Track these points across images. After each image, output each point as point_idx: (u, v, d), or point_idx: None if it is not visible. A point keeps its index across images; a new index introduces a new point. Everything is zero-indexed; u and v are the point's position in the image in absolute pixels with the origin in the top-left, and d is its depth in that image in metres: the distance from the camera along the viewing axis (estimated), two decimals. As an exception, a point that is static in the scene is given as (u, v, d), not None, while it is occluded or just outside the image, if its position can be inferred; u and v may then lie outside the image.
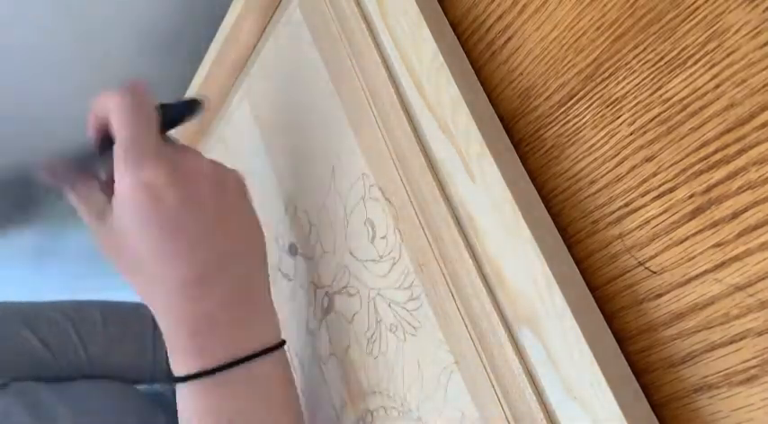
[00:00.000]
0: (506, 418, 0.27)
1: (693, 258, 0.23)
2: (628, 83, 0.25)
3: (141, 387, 0.63)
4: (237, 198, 0.36)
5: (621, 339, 0.26)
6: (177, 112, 0.37)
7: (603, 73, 0.26)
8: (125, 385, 0.60)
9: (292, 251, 0.43)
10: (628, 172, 0.25)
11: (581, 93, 0.27)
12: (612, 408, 0.23)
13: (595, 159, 0.26)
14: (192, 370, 0.33)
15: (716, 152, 0.22)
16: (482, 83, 0.31)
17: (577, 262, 0.27)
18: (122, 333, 0.64)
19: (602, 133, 0.26)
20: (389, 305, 0.34)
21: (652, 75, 0.24)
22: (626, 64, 0.25)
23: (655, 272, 0.25)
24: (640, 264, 0.25)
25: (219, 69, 0.48)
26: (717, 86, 0.22)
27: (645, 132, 0.25)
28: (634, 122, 0.25)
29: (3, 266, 0.88)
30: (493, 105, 0.30)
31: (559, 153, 0.28)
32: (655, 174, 0.24)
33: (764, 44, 0.21)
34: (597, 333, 0.25)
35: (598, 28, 0.26)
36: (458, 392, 0.29)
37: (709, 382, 0.23)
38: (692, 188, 0.23)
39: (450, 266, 0.30)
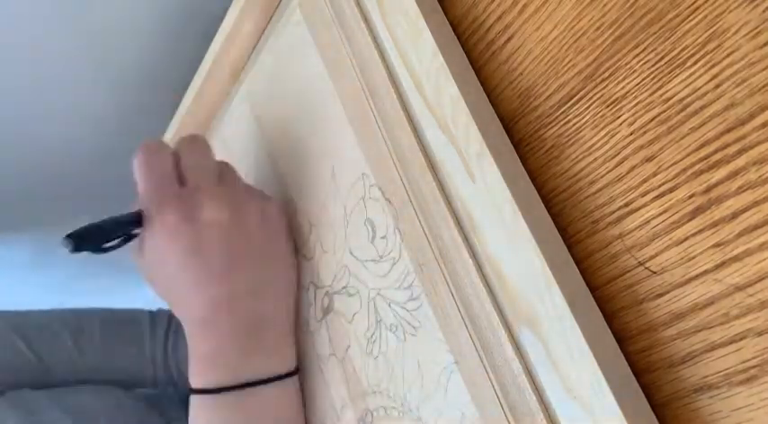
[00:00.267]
0: (506, 418, 0.27)
1: (693, 258, 0.23)
2: (628, 84, 0.25)
3: (140, 391, 0.63)
4: (278, 228, 0.39)
5: (621, 339, 0.26)
6: (114, 228, 0.37)
7: (603, 73, 0.26)
8: (123, 390, 0.60)
9: None
10: (628, 172, 0.25)
11: (581, 93, 0.27)
12: (612, 408, 0.23)
13: (595, 159, 0.26)
14: (202, 385, 0.36)
15: (716, 152, 0.23)
16: (482, 83, 0.31)
17: (577, 262, 0.27)
18: (120, 339, 0.64)
19: (602, 133, 0.26)
20: (389, 305, 0.33)
21: (652, 75, 0.24)
22: (626, 64, 0.25)
23: (655, 272, 0.25)
24: (640, 264, 0.25)
25: (219, 69, 0.48)
26: (717, 86, 0.22)
27: (645, 132, 0.25)
28: (634, 122, 0.25)
29: (2, 266, 0.88)
30: (493, 105, 0.30)
31: (559, 153, 0.28)
32: (655, 174, 0.24)
33: (764, 44, 0.21)
34: (597, 333, 0.25)
35: (598, 28, 0.26)
36: (458, 392, 0.29)
37: (709, 382, 0.23)
38: (692, 188, 0.23)
39: (450, 266, 0.30)
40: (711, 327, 0.23)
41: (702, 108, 0.23)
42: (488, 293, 0.28)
